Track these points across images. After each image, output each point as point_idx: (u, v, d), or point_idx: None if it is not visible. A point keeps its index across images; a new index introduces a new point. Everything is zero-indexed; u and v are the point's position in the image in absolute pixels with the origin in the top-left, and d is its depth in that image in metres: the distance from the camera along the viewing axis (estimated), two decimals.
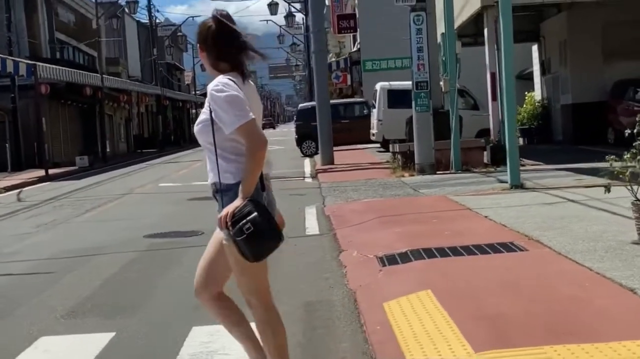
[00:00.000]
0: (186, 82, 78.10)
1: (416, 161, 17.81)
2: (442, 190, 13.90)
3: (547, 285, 5.81)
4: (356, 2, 40.59)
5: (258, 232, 3.69)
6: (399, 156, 19.42)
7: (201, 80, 74.08)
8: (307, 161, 28.16)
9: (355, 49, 40.63)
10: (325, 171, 20.58)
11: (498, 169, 17.40)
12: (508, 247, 7.43)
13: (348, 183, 16.75)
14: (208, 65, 4.01)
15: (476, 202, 11.14)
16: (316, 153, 30.69)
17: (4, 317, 6.71)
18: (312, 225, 11.10)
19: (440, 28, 19.51)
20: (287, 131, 47.48)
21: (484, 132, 22.57)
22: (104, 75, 35.08)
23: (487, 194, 12.55)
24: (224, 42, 3.93)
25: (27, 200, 18.78)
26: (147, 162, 34.86)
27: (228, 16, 3.98)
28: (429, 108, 17.84)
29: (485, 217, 9.61)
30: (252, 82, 4.06)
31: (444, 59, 18.64)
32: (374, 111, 27.60)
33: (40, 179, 25.21)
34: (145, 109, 56.15)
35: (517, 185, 13.09)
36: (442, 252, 7.40)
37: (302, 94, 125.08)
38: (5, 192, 21.41)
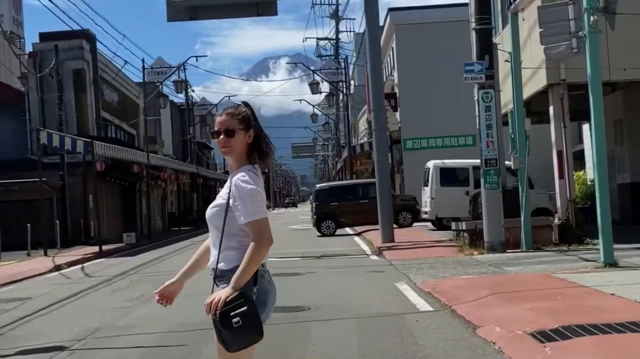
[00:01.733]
0: (214, 161, 78.94)
1: (485, 239, 17.68)
2: (526, 268, 13.75)
3: None
4: (396, 81, 41.08)
5: (245, 326, 3.71)
6: (465, 234, 19.33)
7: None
8: (356, 238, 28.06)
9: (395, 128, 40.99)
10: (389, 248, 20.48)
11: (570, 247, 17.29)
12: None
13: (419, 260, 16.65)
14: (239, 151, 4.00)
15: (585, 280, 10.98)
16: (334, 233, 30.49)
17: None
18: (418, 301, 10.97)
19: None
20: (308, 210, 48.66)
21: (540, 211, 22.45)
22: (149, 154, 35.49)
23: (584, 272, 12.39)
24: (261, 130, 4.05)
25: (95, 275, 18.75)
26: (190, 240, 34.82)
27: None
28: (499, 185, 17.81)
29: (612, 294, 9.46)
30: None
31: (512, 136, 18.68)
32: (426, 189, 27.61)
33: (96, 256, 25.33)
34: (177, 186, 56.49)
35: (612, 263, 12.90)
36: (599, 329, 7.25)
37: (321, 173, 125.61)
38: (67, 267, 21.56)
